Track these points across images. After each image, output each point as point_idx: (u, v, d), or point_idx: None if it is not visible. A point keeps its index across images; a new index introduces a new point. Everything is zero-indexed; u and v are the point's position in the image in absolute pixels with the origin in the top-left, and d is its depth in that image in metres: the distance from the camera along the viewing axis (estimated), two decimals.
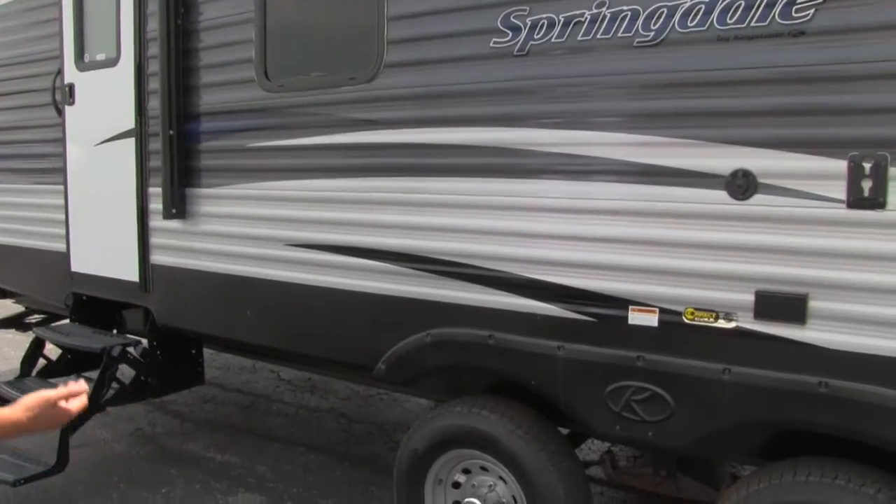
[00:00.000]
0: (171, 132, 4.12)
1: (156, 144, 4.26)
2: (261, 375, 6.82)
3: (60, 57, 4.86)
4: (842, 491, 2.59)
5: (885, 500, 2.53)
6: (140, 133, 4.39)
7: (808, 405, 2.61)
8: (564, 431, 3.42)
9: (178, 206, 4.20)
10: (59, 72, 4.88)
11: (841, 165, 2.47)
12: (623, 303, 2.88)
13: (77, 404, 2.13)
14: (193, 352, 4.89)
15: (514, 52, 3.03)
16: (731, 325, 2.71)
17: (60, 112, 4.88)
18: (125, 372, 4.59)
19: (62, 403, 2.10)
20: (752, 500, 2.74)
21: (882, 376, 2.50)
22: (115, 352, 4.46)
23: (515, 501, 3.34)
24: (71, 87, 4.80)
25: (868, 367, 2.51)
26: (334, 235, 3.63)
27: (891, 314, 2.46)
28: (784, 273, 2.60)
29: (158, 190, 4.26)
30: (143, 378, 4.66)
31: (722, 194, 2.68)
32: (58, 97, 4.90)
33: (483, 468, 3.41)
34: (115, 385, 4.55)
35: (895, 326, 2.46)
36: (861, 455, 2.68)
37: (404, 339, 3.44)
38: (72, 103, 4.80)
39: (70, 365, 5.00)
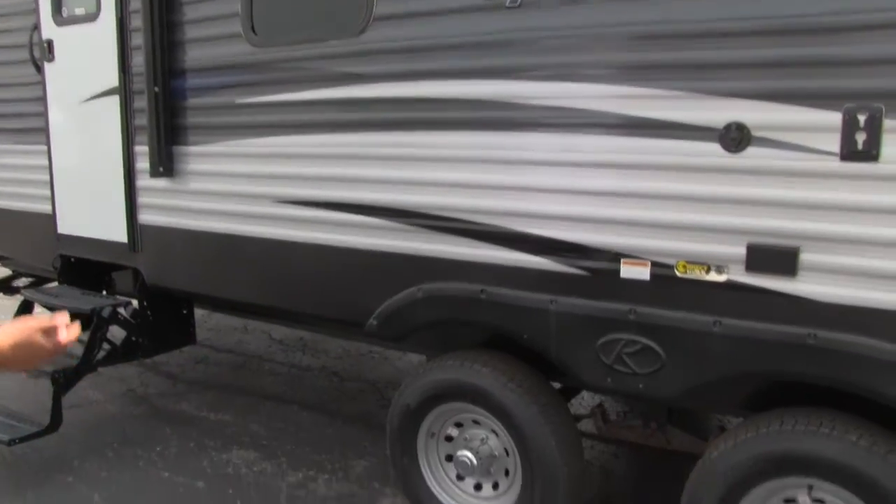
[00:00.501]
0: (157, 89, 4.07)
1: (141, 102, 4.20)
2: (253, 336, 6.83)
3: (36, 11, 4.74)
4: (826, 438, 2.64)
5: (866, 445, 2.59)
6: (124, 91, 4.32)
7: (797, 356, 2.64)
8: (556, 386, 3.45)
9: (165, 165, 4.16)
10: (36, 27, 4.78)
11: (836, 118, 2.47)
12: (615, 256, 2.89)
13: (67, 335, 1.89)
14: (184, 312, 4.88)
15: (507, 4, 2.99)
16: (723, 277, 2.72)
17: (40, 69, 4.79)
18: (116, 334, 4.58)
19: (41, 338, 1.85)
20: (739, 450, 2.78)
21: (870, 328, 2.53)
22: (106, 312, 4.44)
23: (507, 454, 3.38)
24: (49, 43, 4.69)
25: (856, 318, 2.54)
26: (324, 191, 3.61)
27: (881, 266, 2.48)
28: (776, 226, 2.61)
29: (145, 148, 4.21)
30: (133, 339, 4.66)
31: (715, 147, 2.67)
32: (36, 54, 4.81)
33: (475, 422, 3.44)
34: (105, 346, 4.56)
35: (885, 279, 2.48)
36: (847, 405, 2.72)
37: (396, 295, 3.44)
38: (51, 60, 4.71)
39: None
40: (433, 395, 3.40)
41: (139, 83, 4.20)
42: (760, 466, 2.75)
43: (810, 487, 2.78)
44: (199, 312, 5.39)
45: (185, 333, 4.93)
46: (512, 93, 3.02)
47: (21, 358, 1.83)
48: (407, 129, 3.30)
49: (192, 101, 4.07)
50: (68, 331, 1.90)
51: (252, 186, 3.88)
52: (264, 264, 3.94)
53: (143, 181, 4.32)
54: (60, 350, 1.90)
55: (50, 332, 1.86)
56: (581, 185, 2.93)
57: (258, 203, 3.87)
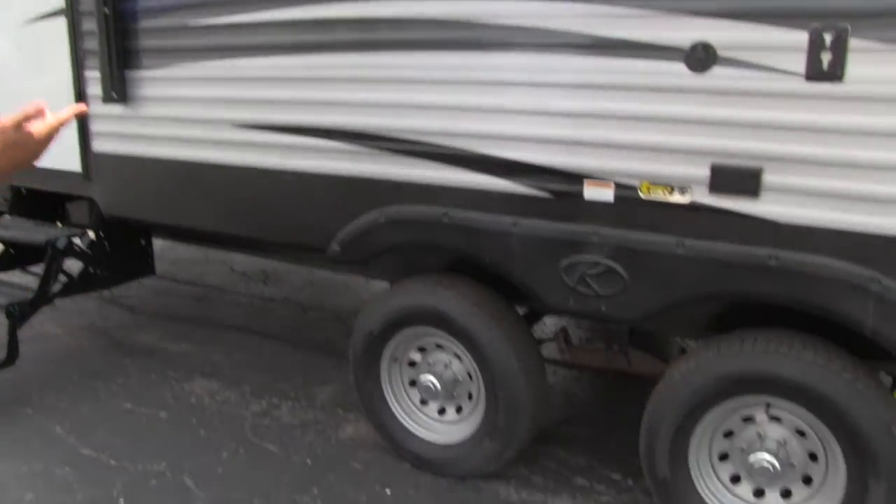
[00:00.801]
0: (107, 10, 3.90)
1: (90, 24, 4.03)
2: (213, 267, 6.75)
3: None
4: (784, 358, 2.69)
5: (823, 363, 2.65)
6: (71, 12, 4.14)
7: (759, 277, 2.67)
8: (520, 311, 3.46)
9: (118, 90, 4.03)
10: None
11: (802, 37, 2.45)
12: (578, 178, 2.87)
13: (43, 126, 1.67)
14: (142, 242, 4.80)
15: None
16: (687, 199, 2.72)
17: None
18: (72, 267, 4.50)
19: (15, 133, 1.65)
20: (700, 370, 2.82)
21: (830, 248, 2.55)
22: (61, 243, 4.35)
23: (471, 378, 3.40)
24: None
25: (817, 239, 2.57)
26: (284, 115, 3.52)
27: (842, 187, 2.49)
28: (740, 147, 2.61)
29: (96, 73, 4.07)
30: (90, 270, 4.58)
31: (681, 67, 2.64)
32: None
33: (438, 346, 3.45)
34: (62, 278, 4.47)
35: (846, 200, 2.50)
36: (808, 326, 2.77)
37: (358, 219, 3.40)
38: None
39: (13, 259, 4.89)
40: (396, 321, 3.40)
41: (87, 4, 4.03)
42: (720, 386, 2.80)
43: (768, 405, 2.84)
44: (159, 245, 5.30)
45: (143, 264, 4.85)
46: (475, 12, 2.95)
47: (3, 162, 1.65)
48: (368, 50, 3.21)
49: (145, 23, 3.91)
50: (55, 115, 1.69)
51: (210, 111, 3.77)
52: (224, 191, 3.86)
53: (96, 108, 4.18)
54: (44, 137, 1.68)
55: (22, 124, 1.66)
56: (545, 106, 2.89)
57: (216, 129, 3.77)
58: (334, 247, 3.51)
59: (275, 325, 5.41)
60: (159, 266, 5.13)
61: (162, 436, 3.94)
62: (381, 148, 3.28)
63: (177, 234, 4.74)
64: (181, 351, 4.96)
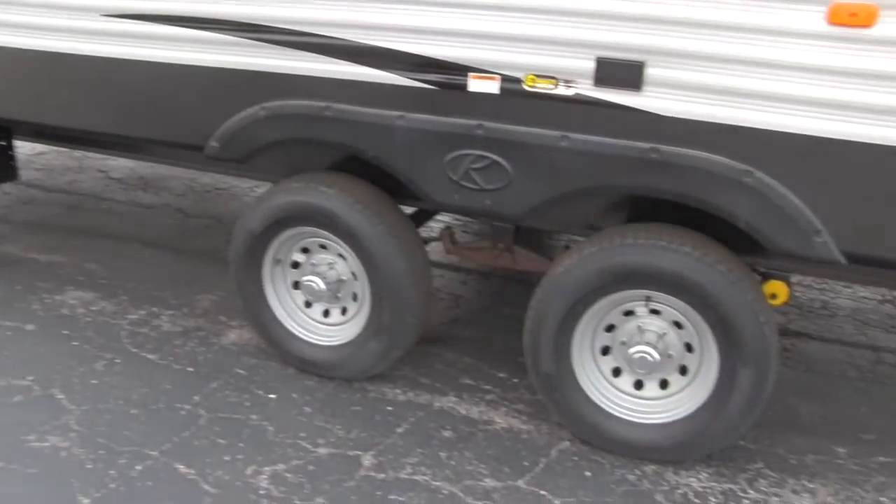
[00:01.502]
0: None
1: None
2: (88, 175, 6.39)
3: None
4: (663, 251, 2.74)
5: (699, 255, 2.71)
6: None
7: (640, 170, 2.69)
8: (407, 212, 3.41)
9: None
10: None
11: None
12: (463, 70, 2.80)
13: None
14: (2, 143, 4.46)
15: None
16: (571, 91, 2.69)
17: None
18: None
19: None
20: (582, 264, 2.85)
21: (709, 143, 2.58)
22: None
23: (355, 278, 3.35)
24: None
25: (698, 133, 2.59)
26: (159, 3, 3.26)
27: (721, 83, 2.51)
28: (624, 40, 2.58)
29: None
30: None
31: None
32: None
33: (322, 247, 3.37)
34: None
35: (725, 95, 2.52)
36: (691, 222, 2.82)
37: (237, 114, 3.24)
38: None
39: None
40: (278, 220, 3.28)
41: None
42: (602, 280, 2.84)
43: (648, 298, 2.91)
44: (26, 151, 4.95)
45: (4, 168, 4.53)
46: None
47: None
48: None
49: None
50: None
51: None
52: (92, 85, 3.60)
53: None
54: None
55: None
56: None
57: (84, 16, 3.46)
58: (213, 144, 3.35)
59: (155, 233, 5.20)
60: (27, 174, 4.82)
61: (27, 349, 3.74)
62: (261, 39, 3.10)
63: (41, 133, 4.41)
64: (52, 261, 4.70)
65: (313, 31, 3.00)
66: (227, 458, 3.03)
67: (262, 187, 4.91)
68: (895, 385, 3.73)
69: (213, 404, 3.35)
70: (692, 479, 3.00)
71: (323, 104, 3.05)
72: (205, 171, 5.33)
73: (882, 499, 2.95)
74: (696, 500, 2.90)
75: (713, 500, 2.90)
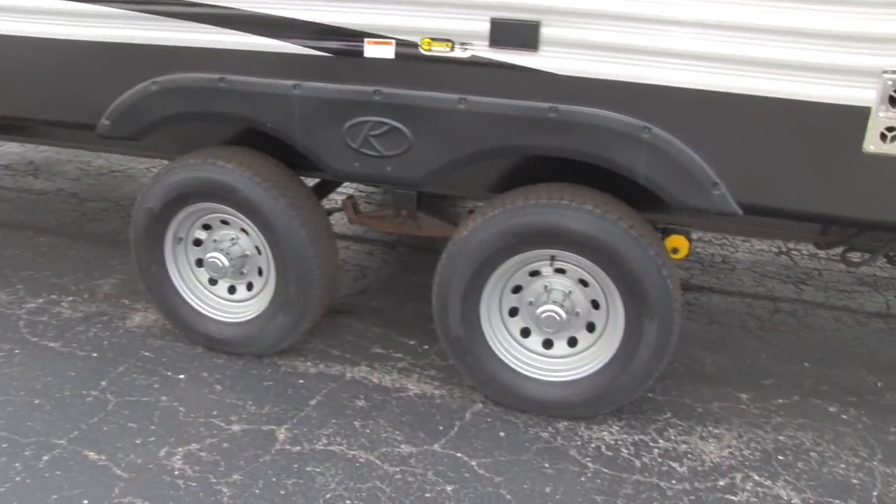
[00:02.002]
0: None
1: None
2: None
3: None
4: (565, 209, 2.77)
5: (600, 213, 2.76)
6: None
7: (539, 130, 2.71)
8: (310, 183, 3.36)
9: None
10: None
11: None
12: (358, 35, 2.75)
13: None
14: None
15: None
16: (467, 54, 2.68)
17: None
18: None
19: None
20: (486, 226, 2.86)
21: (607, 100, 2.61)
22: None
23: (259, 252, 3.29)
24: None
25: (594, 91, 2.61)
26: None
27: (616, 41, 2.53)
28: (518, 1, 2.57)
29: None
30: None
31: None
32: None
33: (224, 222, 3.30)
34: None
35: (619, 52, 2.55)
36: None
37: (128, 90, 3.13)
38: None
39: None
40: (177, 196, 3.19)
41: None
42: (506, 241, 2.86)
43: (553, 258, 2.94)
44: None
45: None
46: None
47: None
48: None
49: None
50: None
51: None
52: None
53: None
54: None
55: None
56: None
57: None
58: (104, 122, 3.22)
59: (49, 219, 4.99)
60: None
61: None
62: (148, 11, 2.99)
63: None
64: None
65: (204, 2, 2.90)
66: (138, 441, 2.96)
67: (159, 167, 4.76)
68: (791, 332, 3.89)
69: (121, 388, 3.26)
70: (604, 433, 3.07)
71: (217, 76, 2.96)
72: (99, 153, 5.14)
73: (780, 437, 3.09)
74: (609, 453, 2.97)
75: (625, 451, 2.98)
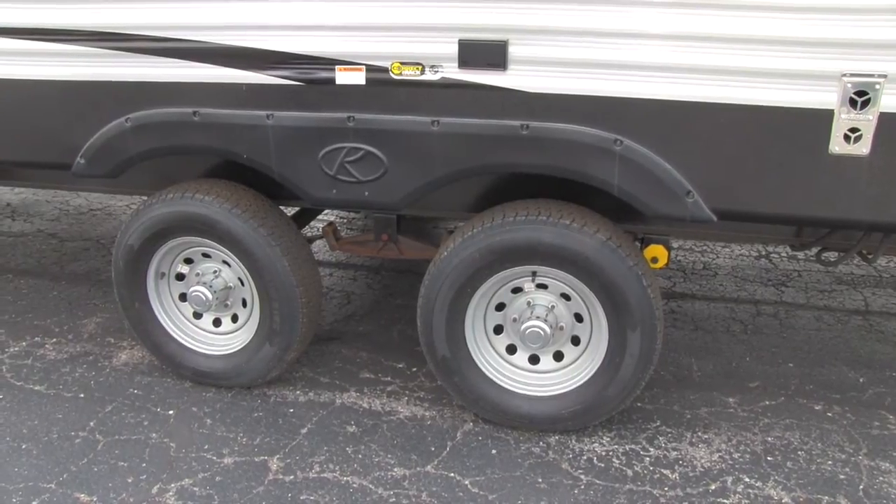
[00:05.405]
0: None
1: None
2: None
3: None
4: (543, 225, 2.80)
5: (578, 227, 2.79)
6: None
7: (512, 148, 2.73)
8: (290, 212, 3.37)
9: None
10: None
11: None
12: (329, 63, 2.78)
13: None
14: None
15: None
16: (437, 76, 2.71)
17: None
18: None
19: None
20: (466, 245, 2.88)
21: (577, 115, 2.65)
22: None
23: (242, 283, 3.30)
24: None
25: (564, 107, 2.65)
26: (7, 15, 3.10)
27: (584, 56, 2.57)
28: (485, 21, 2.61)
29: None
30: None
31: None
32: None
33: (205, 255, 3.31)
34: None
35: (588, 67, 2.58)
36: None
37: (102, 129, 3.14)
38: None
39: None
40: (157, 232, 3.20)
41: None
42: (486, 259, 2.88)
43: (534, 274, 2.96)
44: None
45: None
46: None
47: None
48: None
49: None
50: None
51: None
52: None
53: None
54: None
55: None
56: None
57: None
58: (80, 161, 3.22)
59: (29, 261, 4.97)
60: None
61: None
62: (120, 48, 3.00)
63: None
64: None
65: (173, 36, 2.92)
66: (129, 479, 2.94)
67: (138, 204, 4.75)
68: (774, 334, 3.93)
69: (110, 428, 3.24)
70: (595, 445, 3.09)
71: (190, 110, 2.98)
72: (77, 192, 5.13)
73: (769, 438, 3.11)
74: (601, 464, 2.98)
75: (616, 461, 3.00)
